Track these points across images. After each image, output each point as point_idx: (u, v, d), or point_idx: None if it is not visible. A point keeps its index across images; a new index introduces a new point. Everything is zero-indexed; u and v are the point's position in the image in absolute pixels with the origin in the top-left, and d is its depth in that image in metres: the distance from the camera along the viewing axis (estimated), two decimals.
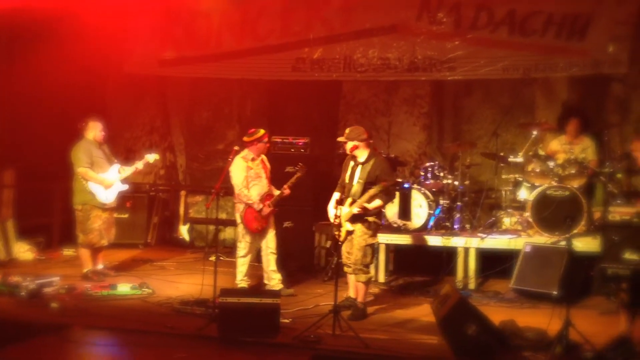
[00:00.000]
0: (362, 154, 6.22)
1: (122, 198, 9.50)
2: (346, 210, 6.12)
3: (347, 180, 6.29)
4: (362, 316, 6.13)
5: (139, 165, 7.62)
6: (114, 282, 7.03)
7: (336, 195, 6.31)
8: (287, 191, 6.82)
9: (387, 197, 6.19)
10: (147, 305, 6.40)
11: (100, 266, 7.59)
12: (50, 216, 9.33)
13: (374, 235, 6.23)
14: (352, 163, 6.29)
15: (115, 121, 10.68)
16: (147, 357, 5.08)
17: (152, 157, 7.64)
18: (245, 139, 6.94)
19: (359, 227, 6.12)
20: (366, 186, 6.09)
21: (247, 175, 6.80)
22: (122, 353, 5.23)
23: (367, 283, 6.26)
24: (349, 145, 6.22)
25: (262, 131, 6.92)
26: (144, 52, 9.80)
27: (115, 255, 8.83)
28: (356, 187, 6.17)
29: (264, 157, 7.03)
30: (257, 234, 6.87)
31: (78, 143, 7.45)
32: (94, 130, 7.51)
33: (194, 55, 9.71)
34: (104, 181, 7.36)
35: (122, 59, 9.92)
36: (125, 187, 7.60)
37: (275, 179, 7.15)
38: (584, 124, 8.11)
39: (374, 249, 6.27)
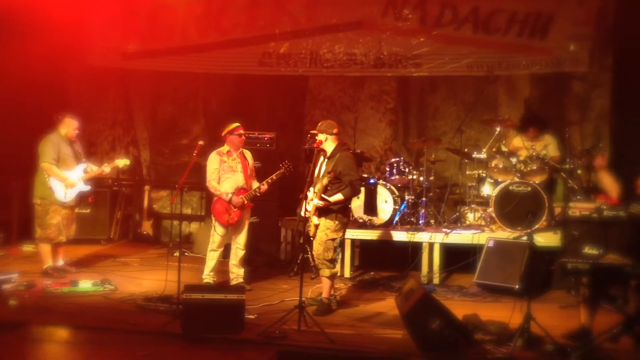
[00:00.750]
0: (330, 148, 6.22)
1: (84, 193, 9.44)
2: (310, 204, 6.15)
3: (316, 175, 6.30)
4: (327, 311, 6.14)
5: (106, 168, 7.53)
6: (75, 278, 6.89)
7: (310, 193, 6.29)
8: (264, 187, 6.74)
9: (351, 191, 6.13)
10: (109, 302, 6.29)
11: (60, 262, 7.43)
12: (9, 211, 9.09)
13: (337, 230, 6.16)
14: (322, 158, 6.33)
15: (77, 114, 10.40)
16: (108, 355, 4.98)
17: (122, 162, 7.55)
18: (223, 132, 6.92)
19: (322, 222, 6.12)
20: (330, 180, 6.08)
21: (220, 169, 6.77)
22: (82, 351, 5.11)
23: (331, 278, 6.25)
24: (320, 138, 6.23)
25: (234, 124, 6.85)
26: (106, 45, 9.63)
27: (77, 251, 8.67)
28: (319, 181, 6.19)
29: (246, 152, 6.96)
30: (229, 228, 6.79)
31: (48, 136, 7.30)
32: (68, 127, 7.38)
33: (158, 49, 9.59)
34: (66, 179, 7.21)
35: (84, 52, 9.74)
36: (88, 188, 7.45)
37: None
38: (543, 125, 8.25)
39: (337, 244, 6.19)
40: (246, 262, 7.91)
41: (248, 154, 6.99)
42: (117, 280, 7.01)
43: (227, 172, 6.80)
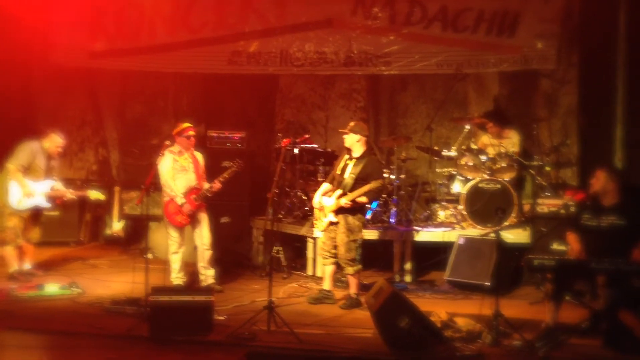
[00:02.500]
0: (359, 150, 6.40)
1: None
2: (332, 201, 6.32)
3: (338, 172, 6.45)
4: (356, 305, 6.32)
5: (71, 194, 7.37)
6: (42, 282, 6.76)
7: (326, 186, 6.54)
8: (216, 185, 6.74)
9: (373, 196, 6.42)
10: (77, 306, 6.19)
11: (27, 266, 7.29)
12: None
13: (358, 231, 6.40)
14: (346, 157, 6.47)
15: (43, 114, 10.30)
16: (74, 359, 4.89)
17: (94, 194, 7.48)
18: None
19: (342, 224, 6.30)
20: (357, 182, 6.28)
21: (173, 168, 6.76)
22: (48, 357, 5.03)
23: (356, 275, 6.44)
24: (349, 139, 6.32)
25: (184, 125, 6.85)
26: (71, 43, 9.42)
27: (45, 253, 8.49)
28: (347, 180, 6.35)
29: (196, 153, 6.94)
30: (183, 229, 6.77)
31: (29, 142, 7.23)
32: (51, 143, 7.29)
33: (125, 48, 9.41)
34: (25, 187, 7.06)
35: (49, 51, 9.52)
36: (47, 205, 7.30)
37: (211, 173, 7.02)
38: (504, 122, 8.31)
39: (359, 244, 6.45)
40: (217, 262, 7.86)
41: (199, 155, 6.97)
42: (85, 283, 6.89)
43: (179, 172, 6.79)
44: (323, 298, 6.52)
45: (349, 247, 6.32)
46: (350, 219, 6.33)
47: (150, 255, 7.66)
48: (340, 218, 6.32)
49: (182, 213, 6.68)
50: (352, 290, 6.47)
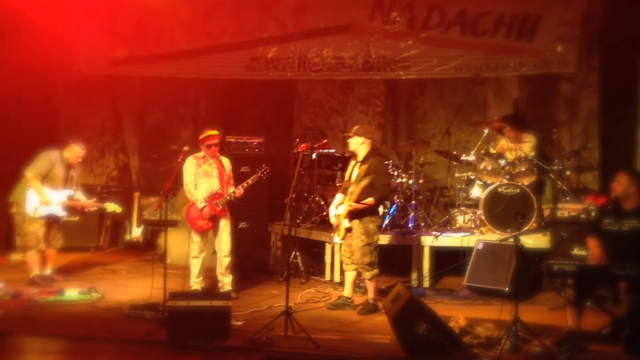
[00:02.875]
0: (363, 153, 6.40)
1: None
2: (343, 208, 6.35)
3: (347, 179, 6.51)
4: (373, 311, 6.29)
5: (90, 204, 7.46)
6: (62, 287, 6.82)
7: (339, 197, 6.54)
8: (239, 191, 6.74)
9: (381, 195, 6.38)
10: (96, 311, 6.24)
11: (48, 271, 7.37)
12: None
13: (373, 234, 6.36)
14: (352, 162, 6.51)
15: (65, 122, 10.46)
16: None
17: (112, 207, 7.47)
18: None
19: (356, 229, 6.30)
20: (370, 182, 6.25)
21: (196, 173, 6.79)
22: None
23: (373, 279, 6.41)
24: (354, 142, 6.35)
25: (207, 133, 6.83)
26: (93, 52, 9.58)
27: (65, 259, 8.58)
28: (353, 185, 6.35)
29: (224, 159, 6.95)
30: (205, 234, 6.79)
31: (49, 151, 7.32)
32: (71, 153, 7.35)
33: (145, 55, 9.54)
34: (43, 195, 7.12)
35: (71, 59, 9.67)
36: (63, 214, 7.35)
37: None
38: (522, 125, 8.23)
39: (374, 248, 6.39)
40: (235, 268, 7.87)
41: (226, 161, 6.97)
42: (104, 288, 6.94)
43: (202, 177, 6.79)
44: (342, 304, 6.50)
45: (364, 251, 6.30)
46: (363, 222, 6.30)
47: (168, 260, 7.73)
48: (353, 223, 6.32)
49: (203, 217, 6.70)
50: (370, 295, 6.45)
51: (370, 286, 6.44)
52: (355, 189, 6.29)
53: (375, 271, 6.42)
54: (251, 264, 8.19)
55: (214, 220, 6.75)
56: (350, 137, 6.46)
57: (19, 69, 8.54)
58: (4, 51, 8.27)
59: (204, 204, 6.69)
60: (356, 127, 6.52)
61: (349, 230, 6.34)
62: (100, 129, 10.44)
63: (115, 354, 5.07)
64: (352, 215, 6.30)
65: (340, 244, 6.56)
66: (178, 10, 9.31)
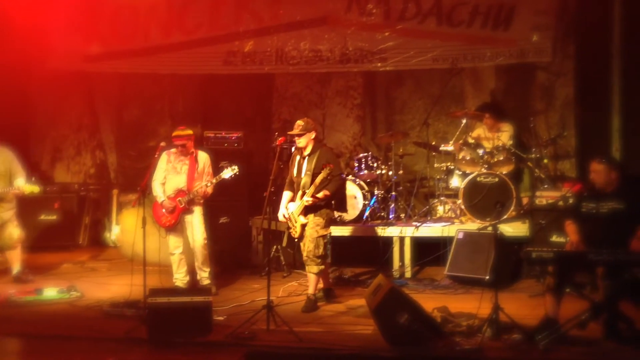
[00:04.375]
0: (309, 146, 6.30)
1: (50, 199, 9.28)
2: (297, 204, 6.22)
3: (295, 175, 6.34)
4: (313, 308, 6.14)
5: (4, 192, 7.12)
6: (40, 286, 6.73)
7: (287, 195, 6.42)
8: (202, 189, 6.61)
9: (335, 185, 6.23)
10: (75, 309, 6.18)
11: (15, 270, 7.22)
12: None
13: (326, 226, 6.27)
14: (298, 157, 6.36)
15: (40, 119, 10.34)
16: None
17: (28, 188, 7.05)
18: None
19: (310, 219, 6.19)
20: (314, 177, 6.16)
21: (166, 169, 6.75)
22: None
23: (319, 275, 6.27)
24: (305, 139, 6.24)
25: (175, 132, 6.74)
26: (67, 47, 9.44)
27: (44, 258, 8.52)
28: (305, 179, 6.23)
29: (201, 154, 6.82)
30: (174, 230, 6.72)
31: None
32: None
33: (120, 50, 9.44)
34: None
35: (45, 55, 9.53)
36: None
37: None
38: (500, 114, 8.27)
39: (327, 240, 6.27)
40: (216, 263, 7.83)
41: (202, 157, 6.82)
42: (84, 286, 6.88)
43: (170, 173, 6.76)
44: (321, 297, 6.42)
45: (318, 243, 6.13)
46: (320, 214, 6.19)
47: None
48: (309, 217, 6.19)
49: (166, 215, 6.65)
50: (311, 290, 6.25)
51: (314, 280, 6.25)
52: (307, 182, 6.16)
53: (322, 267, 6.27)
54: (232, 259, 8.16)
55: (177, 216, 6.65)
56: (300, 135, 6.23)
57: None
58: None
59: (162, 198, 6.65)
60: (301, 123, 6.27)
61: (304, 225, 6.19)
62: (76, 126, 10.31)
63: (95, 352, 5.02)
64: (308, 209, 6.16)
65: (297, 242, 6.32)
66: (153, 5, 9.21)
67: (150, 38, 9.39)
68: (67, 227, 9.36)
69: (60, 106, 10.24)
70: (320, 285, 6.44)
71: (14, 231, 7.23)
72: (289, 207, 6.32)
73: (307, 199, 6.11)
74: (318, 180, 6.08)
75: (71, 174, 10.34)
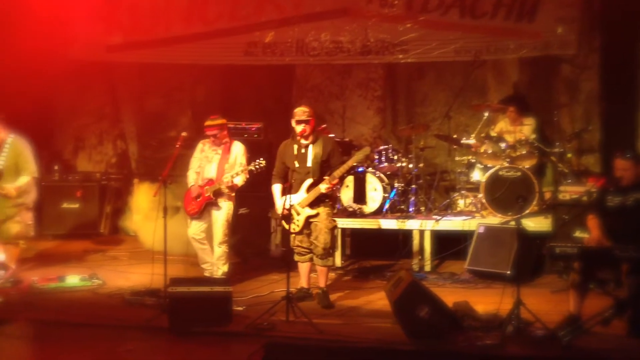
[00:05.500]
0: (311, 135, 6.15)
1: (72, 188, 9.38)
2: (303, 195, 6.06)
3: (297, 166, 6.10)
4: (330, 302, 6.05)
5: None
6: (62, 273, 6.80)
7: (279, 187, 6.26)
8: (225, 181, 6.43)
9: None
10: (97, 297, 6.26)
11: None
12: None
13: (334, 216, 6.22)
14: (295, 147, 6.16)
15: (62, 109, 10.43)
16: (94, 351, 4.92)
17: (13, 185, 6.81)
18: None
19: (322, 210, 6.05)
20: (322, 164, 6.04)
21: (200, 158, 6.73)
22: (67, 348, 5.03)
23: (329, 268, 6.24)
24: (309, 126, 6.05)
25: (206, 122, 6.64)
26: (89, 38, 9.50)
27: (66, 245, 8.64)
28: (313, 167, 6.06)
29: (235, 145, 6.68)
30: (198, 218, 6.61)
31: None
32: None
33: (142, 40, 9.47)
34: None
35: (68, 45, 9.59)
36: None
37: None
38: (525, 107, 8.17)
39: (335, 232, 6.28)
40: (235, 253, 7.85)
41: (235, 148, 6.68)
42: (105, 274, 6.95)
43: (202, 162, 6.72)
44: (304, 296, 6.16)
45: (331, 236, 6.06)
46: (327, 205, 6.08)
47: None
48: (319, 209, 6.03)
49: (193, 203, 6.61)
50: (323, 283, 6.16)
51: (327, 273, 6.20)
52: (315, 171, 5.98)
53: (332, 258, 6.25)
54: (251, 250, 8.18)
55: (202, 204, 6.56)
56: (307, 121, 6.03)
57: (15, 56, 8.49)
58: (0, 38, 8.19)
59: (192, 183, 6.66)
60: (307, 110, 6.08)
61: (313, 216, 6.02)
62: (98, 116, 10.39)
63: (117, 340, 5.06)
64: (316, 201, 6.02)
65: (294, 235, 6.11)
66: None
67: (172, 28, 9.41)
68: (88, 216, 9.43)
69: (83, 96, 10.30)
70: (307, 283, 6.29)
71: (13, 227, 6.89)
72: (293, 199, 5.97)
73: (328, 186, 5.96)
74: (351, 162, 5.99)
75: (93, 163, 10.43)
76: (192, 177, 6.71)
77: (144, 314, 5.56)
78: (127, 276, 7.07)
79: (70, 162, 10.40)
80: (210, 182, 6.59)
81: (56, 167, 9.54)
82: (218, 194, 6.54)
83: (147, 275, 6.55)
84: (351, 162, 6.06)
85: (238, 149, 6.70)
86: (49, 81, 9.93)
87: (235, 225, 8.10)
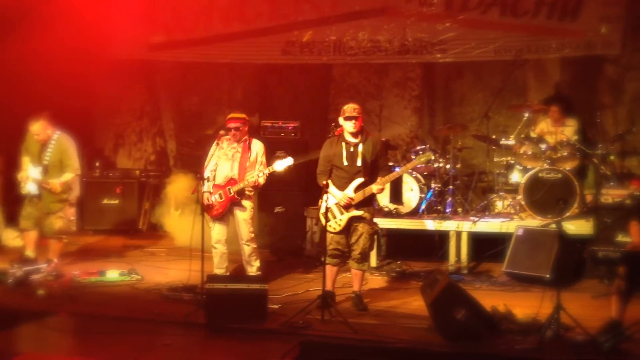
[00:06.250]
0: (359, 132, 5.94)
1: (112, 184, 9.56)
2: (351, 194, 5.82)
3: (345, 164, 5.89)
4: (365, 305, 5.95)
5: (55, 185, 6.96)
6: (102, 268, 6.94)
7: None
8: (252, 180, 6.22)
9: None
10: (136, 292, 6.35)
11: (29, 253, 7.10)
12: None
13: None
14: (343, 145, 5.91)
15: (104, 106, 10.64)
16: (132, 344, 5.00)
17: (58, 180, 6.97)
18: None
19: (367, 213, 5.90)
20: (372, 164, 5.89)
21: (217, 156, 6.41)
22: (107, 340, 5.13)
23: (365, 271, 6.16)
24: (359, 123, 5.85)
25: (229, 115, 6.57)
26: (131, 36, 9.69)
27: (106, 241, 8.80)
28: (363, 166, 5.85)
29: (255, 142, 6.48)
30: (220, 220, 6.36)
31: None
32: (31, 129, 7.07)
33: (182, 39, 9.62)
34: (22, 170, 7.00)
35: (110, 43, 9.79)
36: (35, 191, 6.95)
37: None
38: (568, 108, 8.01)
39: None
40: (271, 252, 7.90)
41: (255, 145, 6.46)
42: (143, 270, 7.06)
43: (221, 159, 6.42)
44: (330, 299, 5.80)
45: (372, 240, 5.98)
46: (370, 208, 5.95)
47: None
48: (364, 211, 5.85)
49: (213, 201, 6.29)
50: (358, 287, 6.03)
51: (362, 277, 6.08)
52: (364, 171, 5.78)
53: (367, 263, 6.13)
54: (287, 248, 8.21)
55: (226, 205, 6.30)
56: (358, 117, 5.81)
57: (59, 54, 8.70)
58: (45, 37, 8.40)
59: (206, 186, 6.24)
60: (357, 107, 5.86)
61: (358, 219, 5.86)
62: (138, 113, 10.59)
63: (155, 334, 5.14)
64: (364, 202, 5.85)
65: (331, 235, 5.89)
66: None
67: (211, 27, 9.53)
68: (127, 212, 9.59)
69: (123, 94, 10.51)
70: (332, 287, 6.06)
71: (56, 222, 7.01)
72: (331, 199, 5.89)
73: (379, 187, 5.82)
74: (407, 169, 5.85)
75: (132, 160, 10.63)
76: (217, 177, 6.39)
77: (181, 309, 5.63)
78: (164, 272, 7.17)
79: (111, 159, 10.63)
80: (232, 181, 6.33)
81: (97, 164, 9.74)
82: (241, 193, 6.34)
83: (184, 272, 6.62)
84: (411, 166, 5.96)
85: (258, 147, 6.50)
86: (92, 79, 10.15)
87: (271, 224, 8.18)
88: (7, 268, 6.47)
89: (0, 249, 8.29)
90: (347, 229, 5.92)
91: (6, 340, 5.02)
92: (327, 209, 5.80)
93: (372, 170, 5.91)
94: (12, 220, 8.68)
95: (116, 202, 9.50)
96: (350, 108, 5.87)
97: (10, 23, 8.57)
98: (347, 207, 5.86)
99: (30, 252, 7.09)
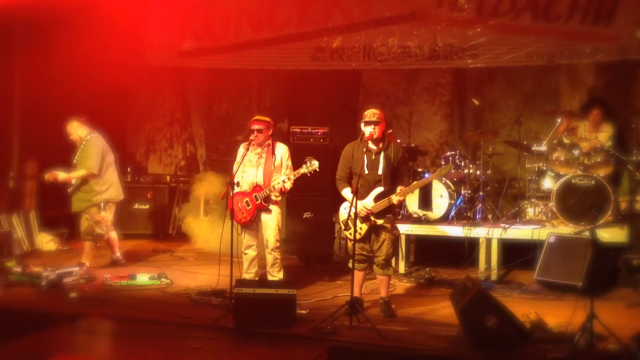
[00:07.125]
0: (380, 139, 5.86)
1: (143, 189, 9.69)
2: (370, 204, 5.76)
3: (366, 172, 5.81)
4: (393, 311, 5.91)
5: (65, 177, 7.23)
6: (134, 272, 7.03)
7: (349, 191, 5.84)
8: (283, 184, 6.16)
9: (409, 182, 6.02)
10: (165, 296, 6.41)
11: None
12: None
13: (398, 223, 6.12)
14: (365, 151, 5.80)
15: (136, 113, 10.83)
16: (162, 347, 5.04)
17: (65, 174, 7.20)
18: None
19: (388, 221, 5.85)
20: (393, 172, 5.82)
21: (242, 162, 6.32)
22: (137, 343, 5.19)
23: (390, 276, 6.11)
24: (380, 129, 5.74)
25: (254, 117, 6.52)
26: (162, 43, 9.85)
27: (136, 245, 8.91)
28: (384, 175, 5.78)
29: (279, 146, 6.42)
30: (248, 227, 6.36)
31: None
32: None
33: (212, 46, 9.73)
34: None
35: (142, 50, 9.97)
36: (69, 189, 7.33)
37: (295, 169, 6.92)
38: (608, 111, 7.87)
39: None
40: (299, 257, 7.89)
41: (280, 149, 6.39)
42: (173, 274, 7.12)
43: (246, 166, 6.35)
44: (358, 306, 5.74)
45: (395, 246, 5.95)
46: (392, 216, 5.87)
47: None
48: (384, 220, 5.79)
49: (241, 210, 6.27)
50: (385, 293, 5.97)
51: (388, 282, 6.01)
52: (386, 178, 5.69)
53: (392, 267, 6.06)
54: (315, 254, 8.21)
55: (253, 212, 6.29)
56: (378, 123, 5.70)
57: (94, 62, 8.84)
58: (81, 45, 8.57)
59: (235, 189, 6.14)
60: (377, 112, 5.74)
61: (379, 227, 5.78)
62: (169, 119, 10.73)
63: (184, 338, 5.17)
64: (386, 210, 5.77)
65: (352, 243, 5.69)
66: (244, 2, 9.43)
67: (241, 34, 9.62)
68: (158, 217, 9.73)
69: (155, 100, 10.68)
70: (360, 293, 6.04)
71: (82, 222, 7.26)
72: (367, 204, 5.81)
73: (400, 199, 5.78)
74: (427, 180, 5.83)
75: (163, 166, 10.77)
76: (242, 184, 6.33)
77: (210, 313, 5.66)
78: (193, 276, 7.22)
79: (142, 163, 10.80)
80: (257, 187, 6.29)
81: (129, 169, 9.89)
82: (268, 199, 6.31)
83: (213, 276, 6.65)
84: (432, 178, 5.91)
85: (282, 151, 6.41)
86: (124, 86, 10.36)
87: (299, 230, 8.19)
88: (40, 271, 6.58)
89: (34, 253, 8.46)
90: (368, 237, 5.90)
91: (39, 343, 5.10)
92: (348, 216, 5.70)
93: (392, 179, 5.85)
94: (46, 224, 8.89)
95: (147, 206, 9.63)
96: (370, 113, 5.80)
97: (49, 31, 8.77)
98: (366, 217, 5.80)
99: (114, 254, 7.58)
